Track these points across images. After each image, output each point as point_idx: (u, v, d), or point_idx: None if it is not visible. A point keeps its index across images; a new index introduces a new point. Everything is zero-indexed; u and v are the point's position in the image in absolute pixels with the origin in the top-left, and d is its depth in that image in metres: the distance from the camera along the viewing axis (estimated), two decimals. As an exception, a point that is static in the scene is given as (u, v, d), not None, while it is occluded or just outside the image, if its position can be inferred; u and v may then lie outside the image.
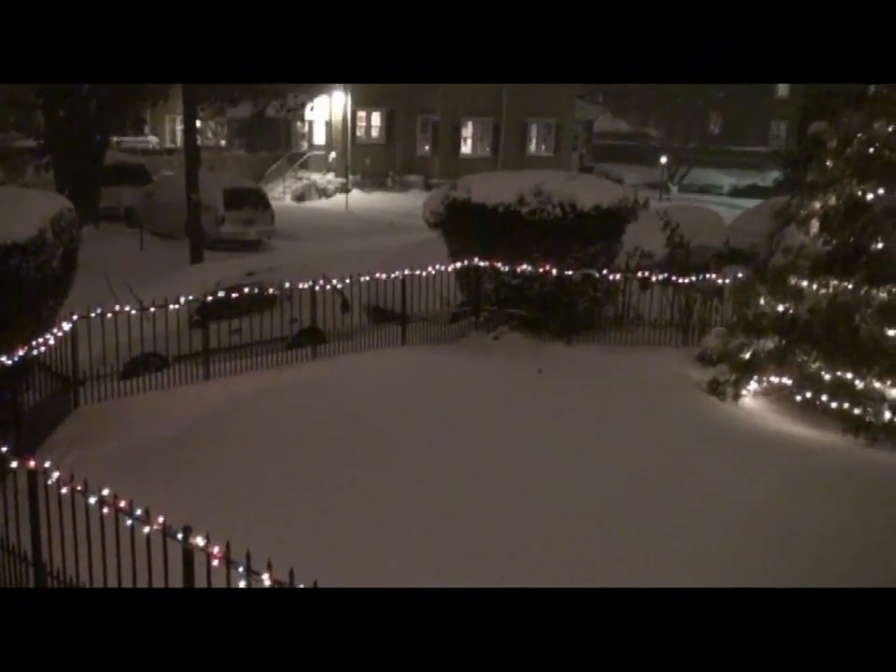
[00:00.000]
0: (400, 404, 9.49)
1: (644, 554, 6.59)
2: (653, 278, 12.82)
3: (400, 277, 12.50)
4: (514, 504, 7.31)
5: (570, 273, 12.47)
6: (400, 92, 38.56)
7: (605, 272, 12.75)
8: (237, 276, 13.07)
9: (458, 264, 13.14)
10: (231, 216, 24.80)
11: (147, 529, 5.10)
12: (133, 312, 10.32)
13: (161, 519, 5.05)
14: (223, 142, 41.44)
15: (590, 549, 6.64)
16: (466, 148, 40.35)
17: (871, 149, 9.24)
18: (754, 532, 6.95)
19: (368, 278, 12.37)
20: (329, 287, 12.19)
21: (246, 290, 11.67)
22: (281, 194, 34.90)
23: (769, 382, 10.01)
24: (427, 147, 39.88)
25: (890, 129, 9.13)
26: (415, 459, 8.11)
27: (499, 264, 12.72)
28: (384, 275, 12.49)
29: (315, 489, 7.57)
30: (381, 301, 13.29)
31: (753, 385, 10.07)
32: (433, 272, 12.76)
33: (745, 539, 6.84)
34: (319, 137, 39.24)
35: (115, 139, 32.68)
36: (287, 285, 12.02)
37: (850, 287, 9.20)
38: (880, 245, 9.06)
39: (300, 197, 35.56)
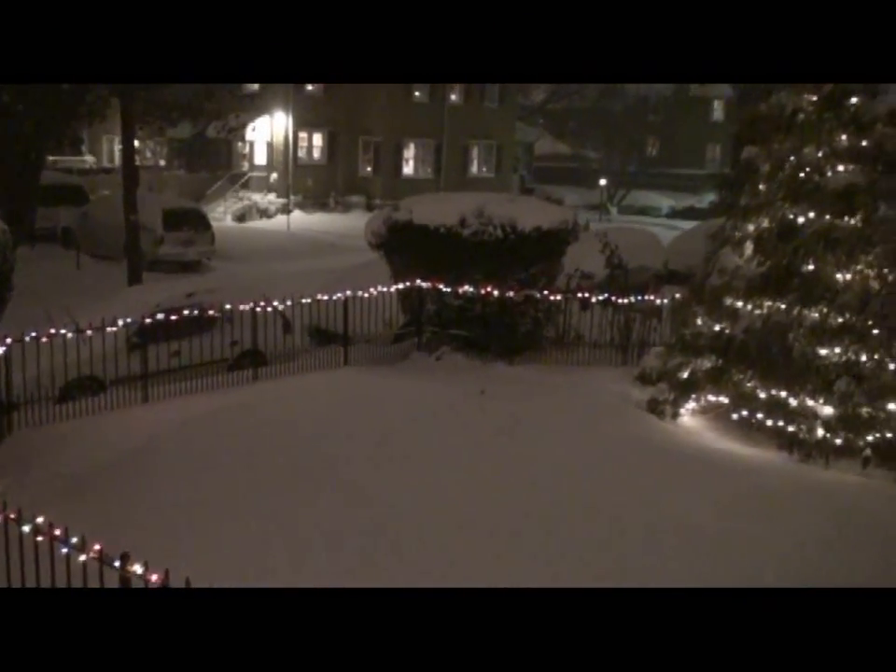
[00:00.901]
0: (344, 426, 9.45)
1: (589, 570, 6.64)
2: (593, 299, 12.99)
3: (342, 299, 12.49)
4: (460, 522, 7.32)
5: (512, 293, 12.58)
6: (342, 113, 38.63)
7: (546, 292, 12.88)
8: (177, 298, 12.92)
9: (400, 285, 13.17)
10: (171, 236, 24.51)
11: (83, 557, 5.00)
12: (70, 334, 10.14)
13: (97, 546, 4.96)
14: (162, 162, 41.02)
15: (542, 565, 6.68)
16: (408, 169, 40.49)
17: (801, 174, 9.49)
18: (697, 547, 7.04)
19: (309, 300, 12.33)
20: (270, 308, 12.13)
21: (186, 312, 11.55)
22: (222, 215, 34.61)
23: (707, 400, 10.19)
24: (368, 169, 39.92)
25: (819, 154, 9.39)
26: (361, 480, 8.08)
27: (441, 285, 12.79)
28: (325, 297, 12.46)
29: (257, 514, 7.49)
30: (323, 322, 13.26)
31: (691, 404, 10.24)
32: (375, 293, 12.77)
33: (688, 553, 6.93)
34: (261, 158, 39.06)
35: (51, 158, 32.13)
36: (228, 306, 11.92)
37: (783, 307, 9.41)
38: (811, 267, 9.28)
39: (240, 217, 35.32)
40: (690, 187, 47.96)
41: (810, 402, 9.17)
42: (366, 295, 12.68)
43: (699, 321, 10.28)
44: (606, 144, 53.52)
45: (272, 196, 37.45)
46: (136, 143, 22.83)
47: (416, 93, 39.80)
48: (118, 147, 32.85)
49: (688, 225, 26.71)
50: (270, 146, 38.66)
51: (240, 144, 38.95)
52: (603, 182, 44.53)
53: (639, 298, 12.86)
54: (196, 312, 11.67)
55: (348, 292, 12.50)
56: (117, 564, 4.78)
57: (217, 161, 38.95)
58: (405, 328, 13.76)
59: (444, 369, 12.24)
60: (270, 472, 8.23)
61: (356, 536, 7.11)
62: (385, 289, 12.96)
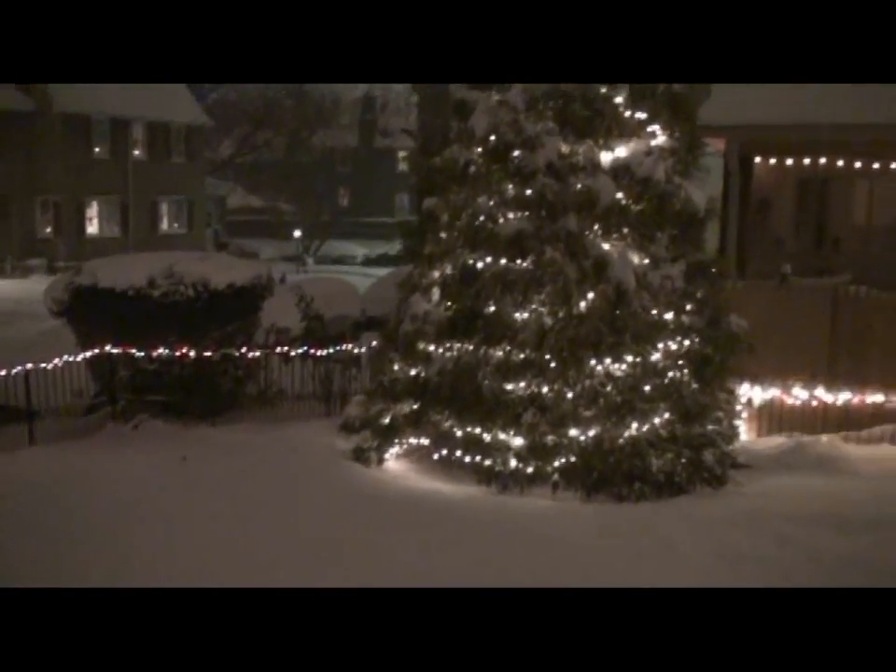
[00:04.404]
0: (27, 517, 8.73)
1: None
2: (292, 352, 13.02)
3: (23, 371, 11.61)
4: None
5: (209, 353, 12.32)
6: (14, 172, 36.23)
7: (244, 350, 12.74)
8: None
9: (89, 353, 12.47)
10: None
11: None
12: None
13: None
14: None
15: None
16: (92, 229, 38.63)
17: (477, 222, 10.11)
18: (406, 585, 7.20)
19: (-17, 376, 11.35)
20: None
21: None
22: None
23: (409, 443, 10.51)
24: (48, 230, 37.59)
25: (491, 203, 10.06)
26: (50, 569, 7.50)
27: (134, 350, 12.26)
28: (3, 371, 11.52)
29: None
30: (2, 398, 12.22)
31: (395, 449, 10.51)
32: (60, 363, 12.00)
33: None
34: (-80, 222, 35.61)
35: None
36: None
37: (471, 348, 9.94)
38: (492, 308, 9.89)
39: None
40: (382, 234, 49.56)
41: (502, 436, 9.73)
42: (50, 366, 11.87)
43: (396, 367, 10.60)
44: (298, 195, 54.08)
45: (-65, 263, 34.21)
46: None
47: (96, 149, 38.20)
48: None
49: (382, 272, 27.50)
50: (-70, 208, 35.39)
51: None
52: (298, 234, 44.92)
53: (338, 348, 13.05)
54: None
55: (29, 364, 11.64)
56: None
57: None
58: (97, 397, 13.03)
59: (143, 437, 11.70)
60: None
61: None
62: (71, 358, 12.21)
